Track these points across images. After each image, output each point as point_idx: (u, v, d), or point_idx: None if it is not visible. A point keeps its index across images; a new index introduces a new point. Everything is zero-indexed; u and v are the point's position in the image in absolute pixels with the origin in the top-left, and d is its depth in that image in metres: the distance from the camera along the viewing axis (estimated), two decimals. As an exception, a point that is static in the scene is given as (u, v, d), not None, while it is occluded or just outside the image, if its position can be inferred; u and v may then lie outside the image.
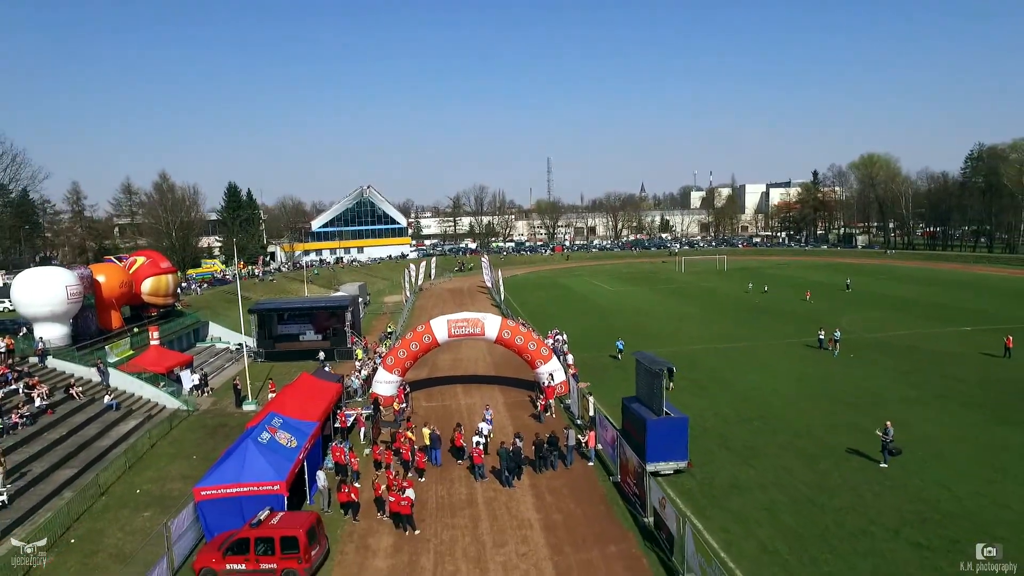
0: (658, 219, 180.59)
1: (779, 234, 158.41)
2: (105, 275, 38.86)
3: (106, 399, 30.18)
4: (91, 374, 32.14)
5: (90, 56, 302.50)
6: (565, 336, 45.49)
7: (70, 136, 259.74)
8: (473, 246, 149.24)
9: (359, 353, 41.61)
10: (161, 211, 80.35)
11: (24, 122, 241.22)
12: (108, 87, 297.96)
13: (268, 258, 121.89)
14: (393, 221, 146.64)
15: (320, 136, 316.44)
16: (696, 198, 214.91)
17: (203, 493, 18.71)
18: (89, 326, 36.77)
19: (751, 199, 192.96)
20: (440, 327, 33.29)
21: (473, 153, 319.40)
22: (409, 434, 24.85)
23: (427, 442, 24.85)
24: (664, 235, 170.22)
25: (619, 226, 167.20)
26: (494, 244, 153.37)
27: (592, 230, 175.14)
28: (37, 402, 27.41)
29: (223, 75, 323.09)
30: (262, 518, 17.51)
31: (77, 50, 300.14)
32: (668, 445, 22.42)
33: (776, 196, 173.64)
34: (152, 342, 37.23)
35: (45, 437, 25.58)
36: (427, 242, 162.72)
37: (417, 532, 19.50)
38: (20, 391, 28.11)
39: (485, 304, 70.23)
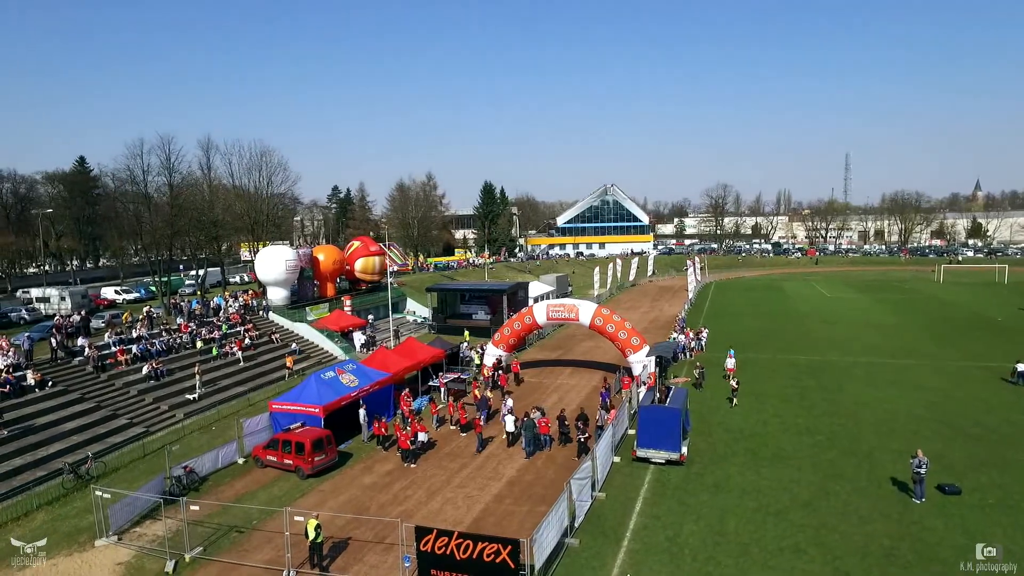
0: (963, 223, 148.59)
1: None
2: (324, 254, 50.82)
3: (292, 345, 40.44)
4: (292, 326, 43.18)
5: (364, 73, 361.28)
6: (705, 334, 44.14)
7: (359, 143, 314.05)
8: (715, 246, 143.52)
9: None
10: (400, 207, 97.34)
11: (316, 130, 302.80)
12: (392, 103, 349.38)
13: (516, 249, 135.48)
14: (635, 219, 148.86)
15: (575, 135, 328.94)
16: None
17: (274, 406, 25.68)
18: (307, 292, 48.77)
19: None
20: (540, 311, 36.44)
21: (768, 153, 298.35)
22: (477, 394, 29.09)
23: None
24: (971, 241, 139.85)
25: (906, 229, 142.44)
26: (738, 245, 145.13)
27: (879, 233, 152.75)
28: (246, 341, 38.46)
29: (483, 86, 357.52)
30: (292, 428, 23.54)
31: (354, 70, 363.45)
32: (659, 434, 22.34)
33: None
34: (346, 308, 47.56)
35: (239, 364, 36.09)
36: (687, 241, 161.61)
37: (412, 466, 23.58)
38: (241, 332, 39.65)
39: (678, 300, 69.52)
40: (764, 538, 17.29)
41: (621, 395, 30.18)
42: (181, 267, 70.43)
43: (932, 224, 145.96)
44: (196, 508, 18.07)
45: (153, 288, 58.64)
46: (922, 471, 18.99)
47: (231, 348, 36.77)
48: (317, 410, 24.60)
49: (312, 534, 16.18)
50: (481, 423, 25.62)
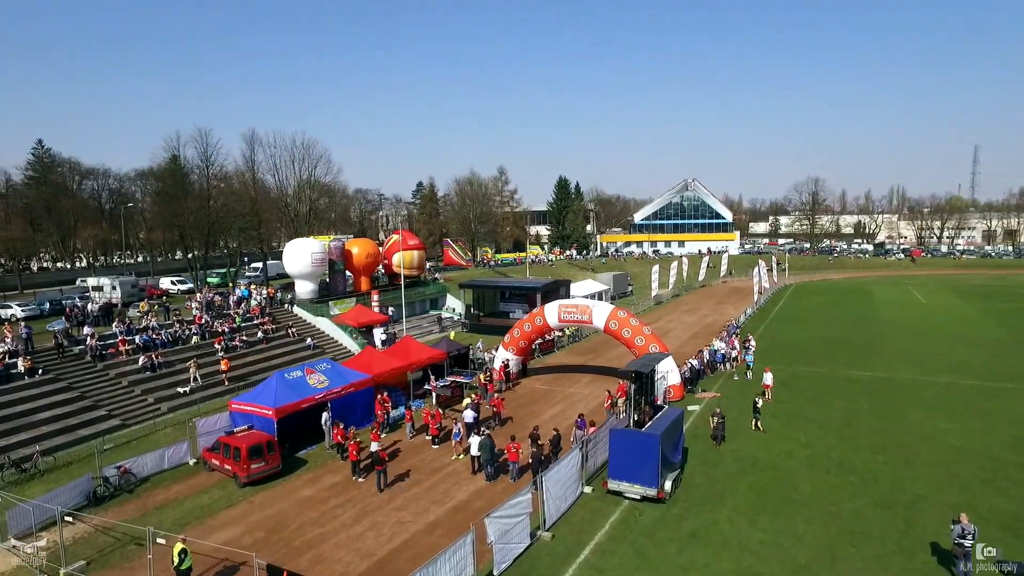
0: None
1: None
2: (357, 248, 49.82)
3: (308, 340, 39.41)
4: (313, 320, 42.29)
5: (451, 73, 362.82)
6: (754, 343, 38.87)
7: (436, 138, 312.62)
8: (807, 245, 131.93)
9: None
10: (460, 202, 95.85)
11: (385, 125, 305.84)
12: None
13: (590, 246, 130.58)
14: (718, 215, 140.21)
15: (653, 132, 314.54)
16: None
17: (233, 406, 24.23)
18: (337, 286, 47.87)
19: None
20: (551, 312, 33.17)
21: (884, 146, 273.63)
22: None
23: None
24: None
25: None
26: (833, 244, 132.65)
27: (1011, 233, 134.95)
28: (259, 335, 37.77)
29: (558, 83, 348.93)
30: (236, 431, 21.82)
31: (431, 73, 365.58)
32: (633, 465, 18.59)
33: None
34: (372, 303, 46.22)
35: (245, 358, 35.36)
36: (781, 240, 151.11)
37: (360, 480, 21.23)
38: (258, 325, 39.09)
39: (745, 304, 63.27)
40: (725, 613, 13.42)
41: (619, 407, 26.43)
42: (246, 259, 72.79)
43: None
44: (70, 520, 16.53)
45: (210, 280, 60.41)
46: (966, 543, 14.21)
47: (241, 340, 36.14)
48: (270, 412, 22.81)
49: (176, 560, 14.13)
50: (386, 456, 21.92)
